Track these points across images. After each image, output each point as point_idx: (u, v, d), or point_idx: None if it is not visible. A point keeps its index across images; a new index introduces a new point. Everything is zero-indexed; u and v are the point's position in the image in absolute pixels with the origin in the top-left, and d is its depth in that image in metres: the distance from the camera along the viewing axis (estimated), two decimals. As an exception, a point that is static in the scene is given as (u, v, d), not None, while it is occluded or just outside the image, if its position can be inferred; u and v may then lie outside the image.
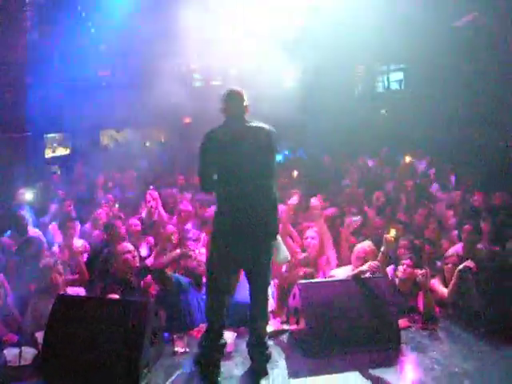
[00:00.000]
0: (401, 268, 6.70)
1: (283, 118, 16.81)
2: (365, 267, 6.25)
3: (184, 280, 6.52)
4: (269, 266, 5.42)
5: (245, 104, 5.53)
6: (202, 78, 19.95)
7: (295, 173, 11.75)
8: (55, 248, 8.19)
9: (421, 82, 17.02)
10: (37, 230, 8.94)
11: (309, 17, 13.44)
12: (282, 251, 5.55)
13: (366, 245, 7.04)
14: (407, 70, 19.54)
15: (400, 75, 20.49)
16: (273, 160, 5.40)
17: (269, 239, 5.38)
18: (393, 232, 6.67)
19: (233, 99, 5.53)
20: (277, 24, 11.95)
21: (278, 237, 5.51)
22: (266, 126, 5.42)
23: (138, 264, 6.85)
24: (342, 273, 6.82)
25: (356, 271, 6.29)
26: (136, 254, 6.90)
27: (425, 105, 15.98)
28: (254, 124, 5.41)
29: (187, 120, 17.14)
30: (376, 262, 6.42)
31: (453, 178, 12.43)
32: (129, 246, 6.82)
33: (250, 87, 6.02)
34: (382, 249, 6.74)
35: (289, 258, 5.68)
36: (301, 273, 6.62)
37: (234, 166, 5.26)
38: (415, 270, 6.58)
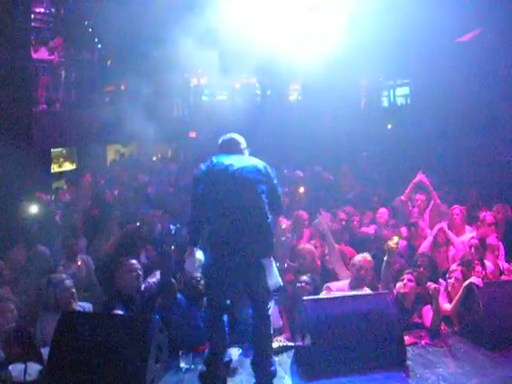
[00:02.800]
0: (401, 283, 6.69)
1: (286, 131, 16.98)
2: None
3: (183, 302, 6.52)
4: (266, 285, 5.43)
5: (243, 148, 5.84)
6: (209, 93, 20.09)
7: (302, 189, 11.74)
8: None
9: (427, 97, 17.03)
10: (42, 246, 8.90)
11: (312, 29, 13.48)
12: (273, 276, 5.47)
13: (363, 256, 7.04)
14: (413, 85, 19.58)
15: (406, 90, 20.55)
16: (262, 191, 5.45)
17: (260, 258, 5.40)
18: (395, 239, 6.66)
19: (229, 144, 5.84)
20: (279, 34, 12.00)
21: (272, 261, 5.50)
22: (258, 161, 5.62)
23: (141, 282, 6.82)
24: (340, 286, 6.84)
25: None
26: (141, 272, 6.87)
27: (431, 120, 15.99)
28: (244, 159, 5.64)
29: (193, 134, 17.21)
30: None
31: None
32: (135, 263, 6.80)
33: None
34: (386, 258, 6.74)
35: (280, 284, 5.57)
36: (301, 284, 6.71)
37: (223, 198, 5.39)
38: (419, 285, 6.61)
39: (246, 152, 5.88)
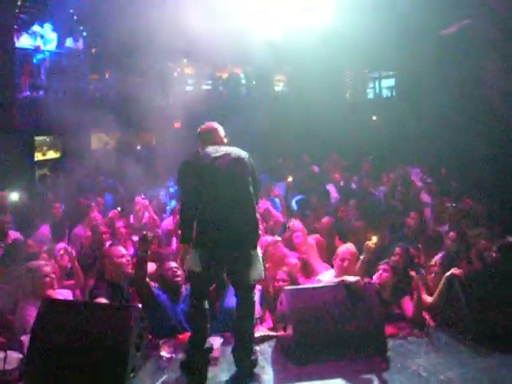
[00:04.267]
0: (377, 274, 6.70)
1: (271, 121, 16.96)
2: (351, 279, 6.21)
3: (161, 297, 6.46)
4: (250, 274, 5.43)
5: (222, 137, 5.85)
6: (193, 83, 20.02)
7: (290, 178, 11.76)
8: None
9: (412, 89, 17.08)
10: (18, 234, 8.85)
11: (297, 20, 13.48)
12: (258, 268, 5.47)
13: (346, 247, 7.05)
14: (398, 77, 19.61)
15: (391, 82, 20.59)
16: (249, 182, 5.47)
17: (246, 250, 5.41)
18: (374, 239, 6.66)
19: (208, 133, 5.83)
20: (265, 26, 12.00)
21: (258, 253, 5.53)
22: (242, 152, 5.61)
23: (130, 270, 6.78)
24: (326, 277, 6.85)
25: (339, 280, 6.27)
26: (129, 258, 6.85)
27: (416, 111, 16.03)
28: (228, 151, 5.56)
29: (178, 124, 17.13)
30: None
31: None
32: (123, 249, 6.77)
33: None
34: (362, 257, 6.73)
35: (262, 277, 5.60)
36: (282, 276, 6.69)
37: (212, 191, 5.38)
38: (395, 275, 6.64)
39: (225, 141, 5.86)
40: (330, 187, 12.55)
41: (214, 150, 5.52)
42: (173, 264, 6.62)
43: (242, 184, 5.42)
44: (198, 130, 5.91)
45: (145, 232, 6.43)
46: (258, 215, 5.59)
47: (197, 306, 5.50)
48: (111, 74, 17.64)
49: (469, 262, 7.22)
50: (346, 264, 6.85)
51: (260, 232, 5.77)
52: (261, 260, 5.55)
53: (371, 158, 14.80)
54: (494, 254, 7.16)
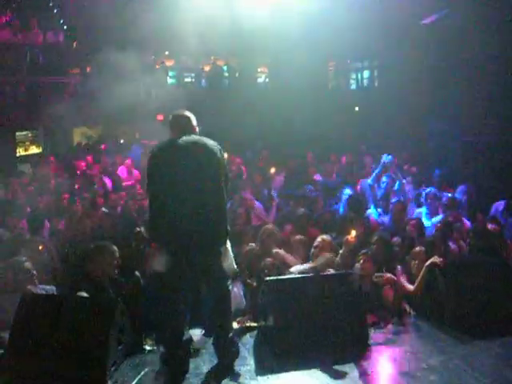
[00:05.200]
0: (358, 264, 6.72)
1: (254, 113, 16.94)
2: (320, 261, 6.26)
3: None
4: (222, 269, 5.37)
5: (193, 125, 5.61)
6: (175, 75, 19.96)
7: (273, 170, 11.76)
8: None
9: (393, 80, 17.09)
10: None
11: (278, 9, 13.47)
12: (229, 263, 5.42)
13: (321, 238, 7.09)
14: (380, 67, 19.62)
15: (374, 72, 20.59)
16: (217, 173, 5.33)
17: (216, 246, 5.35)
18: (353, 233, 6.65)
19: (179, 121, 5.60)
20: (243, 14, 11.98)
21: (228, 248, 5.48)
22: (210, 141, 5.41)
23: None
24: (302, 269, 6.86)
25: (310, 265, 6.32)
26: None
27: (397, 102, 16.04)
28: (198, 140, 5.39)
29: (160, 117, 17.07)
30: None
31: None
32: (117, 251, 6.63)
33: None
34: (342, 250, 6.74)
35: (235, 270, 5.57)
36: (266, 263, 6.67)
37: (176, 182, 5.22)
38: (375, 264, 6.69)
39: (197, 130, 5.67)
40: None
41: (183, 140, 5.35)
42: None
43: (209, 177, 5.26)
44: (169, 117, 5.71)
45: (138, 229, 6.39)
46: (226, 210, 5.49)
47: (169, 300, 5.37)
48: (92, 67, 17.50)
49: (449, 250, 7.25)
50: (317, 250, 6.95)
51: (228, 227, 5.50)
52: (231, 254, 5.49)
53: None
54: (472, 242, 7.24)
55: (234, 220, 8.35)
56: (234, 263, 5.50)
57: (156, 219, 5.35)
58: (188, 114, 5.67)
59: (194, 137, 5.43)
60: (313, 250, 7.08)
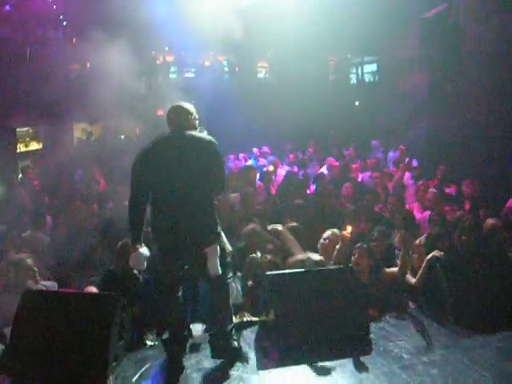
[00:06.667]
0: (353, 258, 6.71)
1: (254, 108, 16.93)
2: (315, 257, 6.26)
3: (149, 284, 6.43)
4: (205, 272, 5.28)
5: (191, 117, 5.46)
6: (176, 70, 19.96)
7: (271, 167, 11.75)
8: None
9: (394, 74, 17.07)
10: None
11: (280, 5, 13.43)
12: (213, 265, 5.23)
13: (331, 232, 7.08)
14: (381, 62, 19.60)
15: (374, 67, 20.58)
16: (206, 171, 5.20)
17: (198, 246, 5.23)
18: (349, 229, 6.62)
19: (176, 113, 5.45)
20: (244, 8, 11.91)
21: (216, 249, 5.28)
22: (206, 137, 5.30)
23: None
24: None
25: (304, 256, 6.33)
26: None
27: (398, 96, 16.02)
28: (193, 135, 5.28)
29: (161, 112, 17.08)
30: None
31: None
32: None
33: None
34: (338, 246, 6.71)
35: (219, 273, 5.27)
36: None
37: (166, 178, 5.16)
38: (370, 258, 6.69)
39: (196, 123, 5.53)
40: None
41: (177, 135, 5.30)
42: None
43: (200, 175, 5.17)
44: (168, 109, 5.54)
45: None
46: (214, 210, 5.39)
47: (166, 297, 5.38)
48: (93, 63, 17.48)
49: (451, 244, 7.25)
50: (327, 242, 6.95)
51: (219, 228, 5.41)
52: (217, 258, 5.27)
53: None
54: (474, 237, 7.23)
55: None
56: (218, 268, 5.27)
57: (136, 222, 5.30)
58: (186, 105, 5.53)
59: (187, 133, 5.30)
60: (322, 241, 7.06)
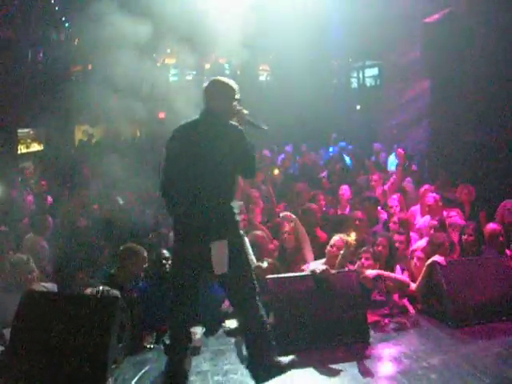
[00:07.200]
0: (359, 262, 6.69)
1: (255, 111, 16.92)
2: (320, 268, 6.21)
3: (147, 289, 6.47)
4: (214, 268, 4.97)
5: (226, 99, 5.14)
6: (177, 73, 19.97)
7: (276, 171, 11.74)
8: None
9: (396, 78, 17.07)
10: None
11: (280, 9, 13.43)
12: (219, 262, 4.95)
13: (339, 236, 7.03)
14: (382, 66, 19.60)
15: (375, 71, 20.58)
16: (230, 162, 4.96)
17: (214, 239, 4.93)
18: (353, 235, 6.58)
19: (209, 92, 5.16)
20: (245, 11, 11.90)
21: (223, 246, 4.95)
22: (228, 124, 5.03)
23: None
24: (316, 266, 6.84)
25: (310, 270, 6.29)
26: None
27: (399, 101, 16.03)
28: (214, 122, 5.03)
29: (162, 115, 17.06)
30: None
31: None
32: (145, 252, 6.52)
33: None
34: (342, 252, 6.67)
35: (224, 271, 4.95)
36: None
37: (187, 167, 4.99)
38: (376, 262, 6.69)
39: (236, 105, 5.19)
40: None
41: (199, 120, 5.06)
42: (164, 252, 6.64)
43: (218, 164, 4.90)
44: (204, 84, 5.20)
45: None
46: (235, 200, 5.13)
47: (177, 296, 5.20)
48: (94, 64, 17.49)
49: (451, 249, 7.24)
50: (334, 250, 6.83)
51: (237, 218, 5.12)
52: (224, 254, 4.95)
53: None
54: (472, 241, 7.25)
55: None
56: (224, 266, 4.95)
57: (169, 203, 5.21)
58: (226, 81, 5.23)
59: (209, 118, 5.05)
60: (329, 248, 6.93)
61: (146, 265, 6.39)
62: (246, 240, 5.36)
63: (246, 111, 5.27)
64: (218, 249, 4.93)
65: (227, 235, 4.97)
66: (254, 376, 5.13)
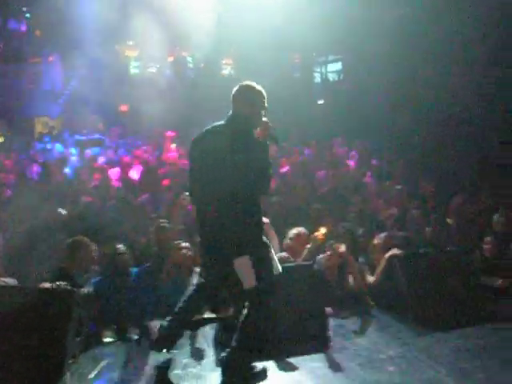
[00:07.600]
0: (324, 256, 6.73)
1: (219, 105, 16.87)
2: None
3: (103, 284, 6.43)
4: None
5: (245, 101, 4.91)
6: (139, 66, 19.82)
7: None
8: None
9: (359, 73, 17.16)
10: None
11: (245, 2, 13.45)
12: (246, 278, 4.76)
13: (297, 229, 7.05)
14: (345, 61, 19.68)
15: (338, 66, 20.65)
16: (241, 168, 4.59)
17: (228, 256, 4.79)
18: (323, 230, 6.60)
19: (236, 98, 4.98)
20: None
21: (246, 261, 4.74)
22: (240, 126, 4.76)
23: None
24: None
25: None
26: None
27: (363, 95, 16.11)
28: (227, 130, 4.78)
29: (124, 108, 16.94)
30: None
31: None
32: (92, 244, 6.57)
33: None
34: (309, 246, 6.70)
35: (252, 285, 4.75)
36: None
37: (198, 174, 4.89)
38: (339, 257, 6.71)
39: (262, 112, 4.96)
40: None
41: (224, 125, 4.85)
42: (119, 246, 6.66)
43: (226, 170, 4.60)
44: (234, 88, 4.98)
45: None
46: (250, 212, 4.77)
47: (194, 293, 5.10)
48: (55, 57, 17.28)
49: (409, 242, 7.32)
50: (292, 243, 6.89)
51: (254, 232, 4.82)
52: (249, 269, 4.72)
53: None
54: (431, 233, 7.34)
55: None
56: (253, 280, 4.74)
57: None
58: (251, 85, 5.02)
59: (234, 127, 4.77)
60: (288, 241, 6.96)
61: (96, 257, 6.47)
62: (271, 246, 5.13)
63: (271, 124, 4.97)
64: (242, 265, 4.75)
65: (247, 250, 4.75)
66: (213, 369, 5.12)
